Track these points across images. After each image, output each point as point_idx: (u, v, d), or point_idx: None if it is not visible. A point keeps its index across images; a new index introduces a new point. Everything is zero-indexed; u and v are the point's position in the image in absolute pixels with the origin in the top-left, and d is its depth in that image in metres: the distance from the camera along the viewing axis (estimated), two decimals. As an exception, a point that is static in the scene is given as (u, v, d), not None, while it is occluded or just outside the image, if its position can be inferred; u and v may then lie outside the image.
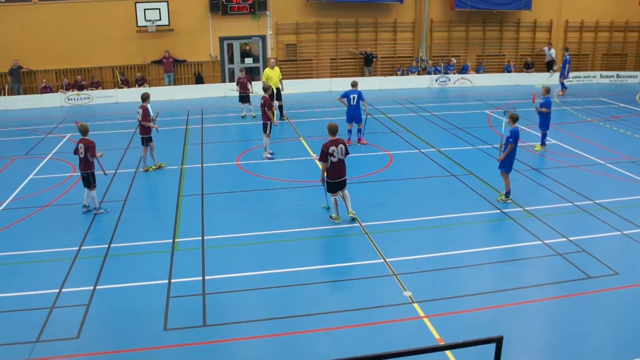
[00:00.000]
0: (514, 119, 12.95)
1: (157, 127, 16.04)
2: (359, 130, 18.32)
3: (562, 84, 27.32)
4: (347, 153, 12.09)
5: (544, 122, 17.37)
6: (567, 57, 27.17)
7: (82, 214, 12.93)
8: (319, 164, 12.14)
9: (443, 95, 28.45)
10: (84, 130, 13.01)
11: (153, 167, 16.12)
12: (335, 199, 12.29)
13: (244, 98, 22.80)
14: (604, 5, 31.96)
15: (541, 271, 10.30)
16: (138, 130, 16.08)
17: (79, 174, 13.09)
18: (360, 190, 12.55)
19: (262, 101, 16.69)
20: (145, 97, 15.81)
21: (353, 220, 12.23)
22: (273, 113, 16.88)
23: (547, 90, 17.33)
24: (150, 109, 15.76)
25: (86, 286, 9.75)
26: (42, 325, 8.61)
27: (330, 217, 12.45)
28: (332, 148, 11.81)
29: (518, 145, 13.25)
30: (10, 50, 26.43)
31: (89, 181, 12.92)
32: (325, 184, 12.17)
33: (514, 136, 12.89)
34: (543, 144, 17.54)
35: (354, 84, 18.20)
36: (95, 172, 12.94)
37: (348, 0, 28.98)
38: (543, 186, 14.38)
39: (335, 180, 12.03)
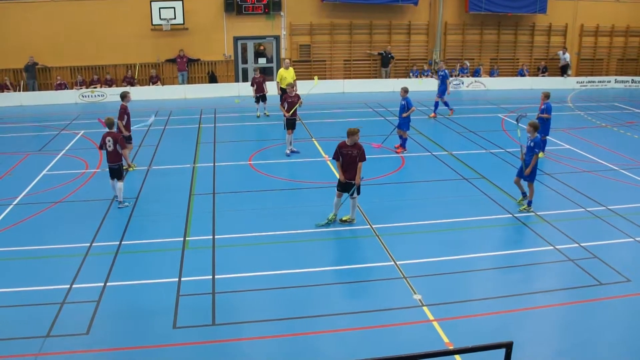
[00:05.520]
0: (536, 127, 12.65)
1: (125, 132, 15.55)
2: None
3: (446, 103, 23.16)
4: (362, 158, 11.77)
5: (544, 128, 16.65)
6: (445, 71, 23.01)
7: (93, 210, 12.99)
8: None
9: (456, 98, 28.29)
10: (110, 124, 13.23)
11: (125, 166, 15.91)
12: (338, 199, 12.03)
13: (260, 98, 22.76)
14: (619, 10, 31.82)
15: (552, 277, 10.24)
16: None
17: (108, 166, 13.22)
18: (371, 192, 12.51)
19: (295, 99, 17.06)
20: (124, 96, 15.81)
21: (342, 222, 12.19)
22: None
23: (547, 96, 16.82)
24: (128, 109, 15.75)
25: (97, 282, 9.80)
26: (53, 321, 8.66)
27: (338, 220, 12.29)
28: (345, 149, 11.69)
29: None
30: (26, 47, 26.63)
31: (119, 172, 13.19)
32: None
33: (539, 145, 12.80)
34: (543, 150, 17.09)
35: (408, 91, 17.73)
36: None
37: (362, 2, 28.97)
38: (555, 191, 14.30)
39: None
